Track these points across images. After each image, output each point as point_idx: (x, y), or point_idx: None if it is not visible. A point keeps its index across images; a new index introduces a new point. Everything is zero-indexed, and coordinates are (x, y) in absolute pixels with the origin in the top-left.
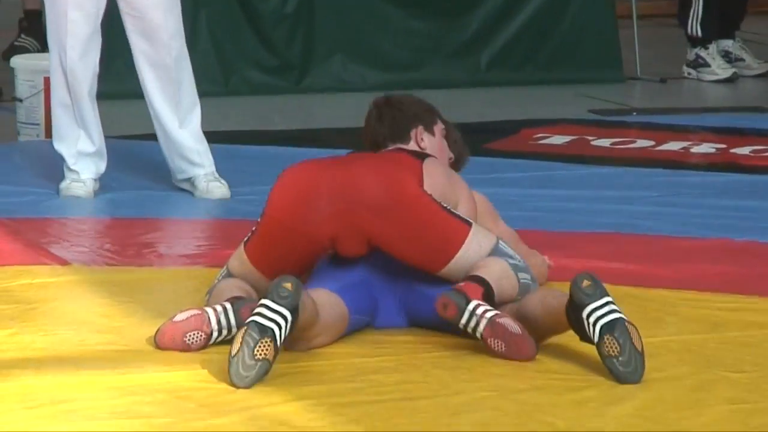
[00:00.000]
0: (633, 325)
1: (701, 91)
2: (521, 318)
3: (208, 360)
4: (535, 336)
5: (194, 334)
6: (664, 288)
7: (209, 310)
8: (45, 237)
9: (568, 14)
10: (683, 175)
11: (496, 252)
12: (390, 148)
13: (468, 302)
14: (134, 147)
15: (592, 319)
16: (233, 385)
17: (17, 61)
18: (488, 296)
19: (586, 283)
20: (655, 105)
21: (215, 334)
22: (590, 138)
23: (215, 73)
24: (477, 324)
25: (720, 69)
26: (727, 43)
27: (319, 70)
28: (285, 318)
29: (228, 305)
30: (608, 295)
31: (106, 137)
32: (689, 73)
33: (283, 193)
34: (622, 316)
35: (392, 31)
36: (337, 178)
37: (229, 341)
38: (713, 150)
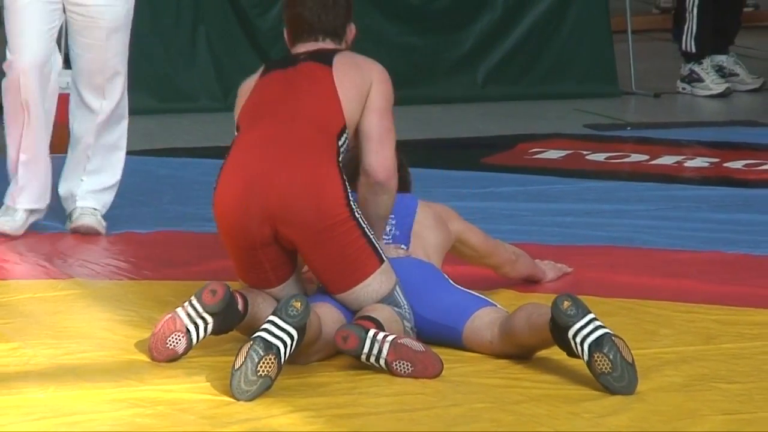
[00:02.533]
0: (619, 337)
1: (695, 106)
2: (507, 334)
3: (209, 372)
4: (522, 351)
5: (174, 338)
6: (659, 300)
7: (179, 309)
8: (46, 251)
9: (564, 29)
10: (677, 188)
11: (390, 296)
12: (310, 48)
13: (367, 331)
14: (135, 163)
15: (578, 339)
16: (234, 398)
17: None
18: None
19: (566, 304)
20: (649, 120)
21: (192, 328)
22: (585, 152)
23: (214, 88)
24: (380, 350)
25: (714, 84)
26: (721, 58)
27: None
28: (291, 336)
29: (192, 297)
30: (590, 312)
31: None
32: (683, 88)
33: (221, 208)
34: (608, 330)
35: (390, 47)
36: (265, 197)
37: (228, 352)
38: (707, 164)
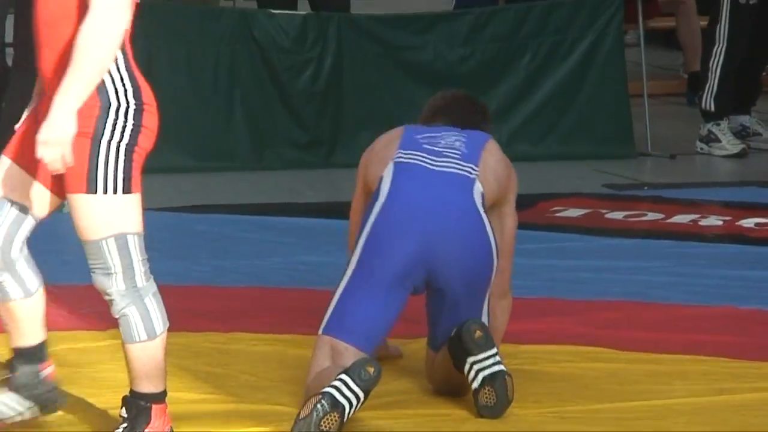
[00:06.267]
0: (511, 377)
1: (709, 166)
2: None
3: (259, 419)
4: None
5: None
6: (673, 353)
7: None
8: (86, 302)
9: (583, 93)
10: (692, 246)
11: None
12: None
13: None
14: (172, 219)
15: (476, 367)
16: None
17: None
18: None
19: (478, 333)
20: (665, 180)
21: None
22: (604, 211)
23: (249, 148)
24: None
25: (730, 144)
26: (744, 119)
27: (347, 146)
28: (358, 398)
29: None
30: (495, 347)
31: (148, 209)
32: (701, 148)
33: None
34: (504, 368)
35: (417, 108)
36: None
37: (283, 402)
38: (720, 222)
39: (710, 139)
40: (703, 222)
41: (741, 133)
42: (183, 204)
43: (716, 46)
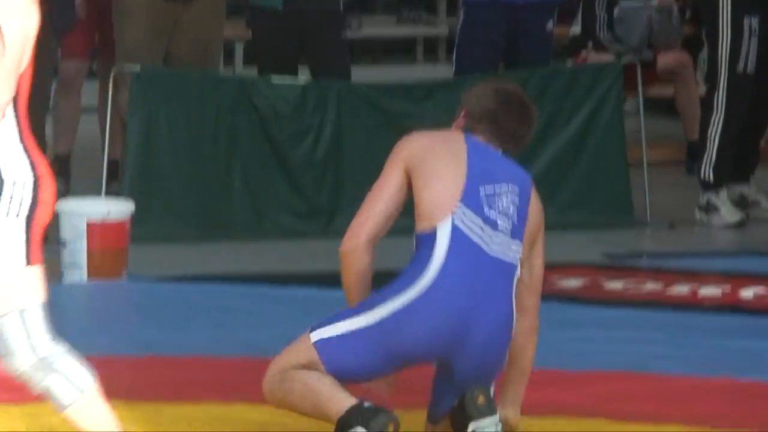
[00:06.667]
0: None
1: (710, 236)
2: None
3: None
4: None
5: None
6: (672, 424)
7: None
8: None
9: (582, 161)
10: (691, 316)
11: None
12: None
13: None
14: (168, 289)
15: None
16: None
17: (63, 205)
18: None
19: (481, 399)
20: (664, 249)
21: None
22: (603, 280)
23: (248, 217)
24: None
25: (729, 214)
26: (743, 188)
27: (347, 214)
28: None
29: None
30: (497, 414)
31: (145, 276)
32: (701, 218)
33: None
34: None
35: None
36: None
37: None
38: (719, 293)
39: (709, 208)
40: (703, 292)
41: (740, 203)
42: (180, 273)
43: (714, 115)
